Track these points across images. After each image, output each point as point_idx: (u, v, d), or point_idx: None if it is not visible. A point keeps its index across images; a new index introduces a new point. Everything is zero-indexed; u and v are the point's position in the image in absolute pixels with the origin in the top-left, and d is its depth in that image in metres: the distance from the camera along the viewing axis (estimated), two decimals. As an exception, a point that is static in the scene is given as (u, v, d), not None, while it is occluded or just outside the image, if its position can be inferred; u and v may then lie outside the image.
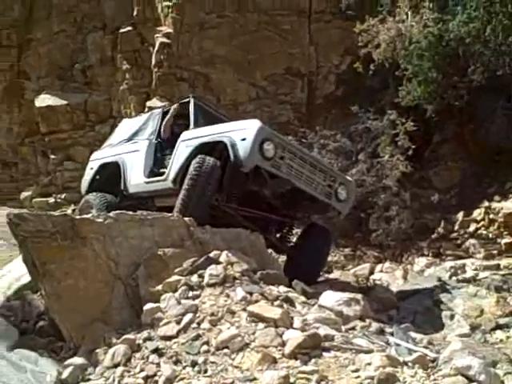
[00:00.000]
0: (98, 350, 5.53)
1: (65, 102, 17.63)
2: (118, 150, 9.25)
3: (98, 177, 9.31)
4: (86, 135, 17.43)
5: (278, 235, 8.53)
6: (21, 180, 18.38)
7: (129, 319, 6.02)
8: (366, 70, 11.73)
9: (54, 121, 17.56)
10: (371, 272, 9.83)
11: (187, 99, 8.69)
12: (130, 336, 5.48)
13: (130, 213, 6.84)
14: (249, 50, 14.13)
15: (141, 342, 5.38)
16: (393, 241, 10.70)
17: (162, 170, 8.21)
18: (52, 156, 17.59)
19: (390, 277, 9.39)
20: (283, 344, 4.78)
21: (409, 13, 11.34)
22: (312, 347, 4.67)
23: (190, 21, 14.41)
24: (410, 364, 4.53)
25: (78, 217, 6.56)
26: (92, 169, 9.47)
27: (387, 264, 10.21)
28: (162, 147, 8.61)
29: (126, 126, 9.82)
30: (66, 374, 5.33)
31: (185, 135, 7.97)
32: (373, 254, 10.82)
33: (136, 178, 8.53)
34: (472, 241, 10.10)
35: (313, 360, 4.56)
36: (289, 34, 14.15)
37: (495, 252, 9.65)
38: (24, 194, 17.58)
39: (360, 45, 11.76)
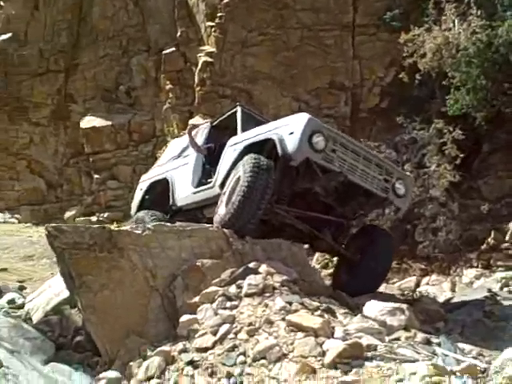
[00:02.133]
0: (131, 363, 5.41)
1: (109, 123, 17.84)
2: (167, 167, 9.23)
3: (147, 196, 9.30)
4: (129, 154, 17.59)
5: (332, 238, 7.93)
6: (65, 200, 18.54)
7: (165, 332, 5.89)
8: (412, 80, 11.42)
9: (99, 141, 17.76)
10: (417, 285, 9.56)
11: (234, 109, 8.62)
12: (165, 348, 5.35)
13: (169, 224, 6.76)
14: (291, 66, 13.98)
15: (176, 354, 5.24)
16: (440, 253, 10.35)
17: (210, 180, 8.06)
18: (96, 176, 17.77)
19: (437, 289, 9.11)
20: (323, 354, 4.54)
21: (456, 20, 10.98)
22: (353, 357, 4.42)
23: (232, 39, 14.40)
24: (458, 374, 4.24)
25: (115, 228, 6.48)
26: (141, 189, 9.47)
27: (434, 276, 9.91)
28: (211, 159, 8.43)
29: (174, 146, 9.83)
30: (99, 387, 5.21)
31: (232, 140, 7.81)
32: (419, 267, 10.46)
33: (185, 191, 8.43)
34: (525, 251, 9.67)
35: (354, 370, 4.30)
36: (332, 48, 13.94)
37: (549, 262, 9.19)
38: (68, 214, 17.70)
39: (405, 55, 11.46)
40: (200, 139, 8.80)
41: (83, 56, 19.50)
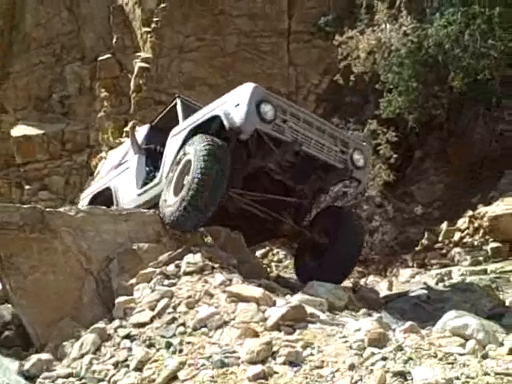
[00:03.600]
0: (65, 343, 5.14)
1: (41, 132, 17.28)
2: (107, 178, 8.71)
3: None
4: (62, 165, 17.04)
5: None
6: (-7, 213, 17.84)
7: (100, 315, 5.59)
8: (347, 83, 11.58)
9: (30, 151, 17.15)
10: (355, 286, 9.53)
11: (173, 102, 8.14)
12: (100, 325, 5.12)
13: (104, 207, 6.57)
14: (228, 71, 13.93)
15: (112, 331, 5.03)
16: (376, 255, 10.45)
17: (154, 180, 7.46)
18: (27, 186, 17.17)
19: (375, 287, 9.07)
20: (265, 320, 4.44)
21: (387, 23, 11.21)
22: (297, 319, 4.34)
23: (169, 45, 14.29)
24: (402, 331, 4.20)
25: (48, 209, 6.22)
26: (82, 206, 9.02)
27: (371, 278, 9.91)
28: (153, 161, 7.91)
29: (112, 157, 9.36)
30: (28, 365, 4.92)
31: (174, 130, 7.27)
32: (356, 270, 10.47)
33: (129, 194, 7.85)
34: (457, 249, 9.81)
35: (297, 331, 4.22)
36: (268, 54, 14.01)
37: (481, 259, 9.32)
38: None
39: (340, 58, 11.62)
40: (139, 140, 8.34)
41: (15, 64, 18.87)
